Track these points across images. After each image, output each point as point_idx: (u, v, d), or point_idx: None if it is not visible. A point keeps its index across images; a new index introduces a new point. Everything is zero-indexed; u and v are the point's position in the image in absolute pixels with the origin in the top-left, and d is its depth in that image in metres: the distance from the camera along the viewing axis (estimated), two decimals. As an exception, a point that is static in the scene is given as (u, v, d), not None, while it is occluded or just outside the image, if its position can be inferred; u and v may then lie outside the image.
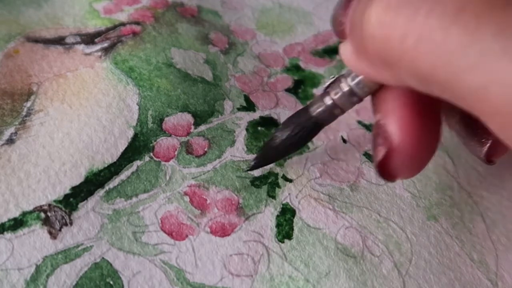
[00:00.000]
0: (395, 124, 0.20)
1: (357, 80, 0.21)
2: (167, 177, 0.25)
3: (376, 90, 0.21)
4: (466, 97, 0.14)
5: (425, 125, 0.20)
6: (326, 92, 0.22)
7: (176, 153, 0.26)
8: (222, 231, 0.24)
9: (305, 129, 0.23)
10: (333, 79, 0.22)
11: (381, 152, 0.20)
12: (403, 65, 0.16)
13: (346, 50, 0.19)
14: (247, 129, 0.28)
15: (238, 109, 0.29)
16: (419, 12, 0.14)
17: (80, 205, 0.24)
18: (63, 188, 0.24)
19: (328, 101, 0.22)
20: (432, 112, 0.20)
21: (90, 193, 0.24)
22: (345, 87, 0.21)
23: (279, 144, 0.24)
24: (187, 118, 0.28)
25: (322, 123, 0.23)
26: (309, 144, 0.28)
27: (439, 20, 0.14)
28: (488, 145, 0.21)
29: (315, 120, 0.23)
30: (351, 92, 0.21)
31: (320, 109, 0.23)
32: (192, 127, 0.28)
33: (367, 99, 0.22)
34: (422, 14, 0.14)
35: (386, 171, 0.21)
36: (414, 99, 0.20)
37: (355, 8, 0.18)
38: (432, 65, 0.14)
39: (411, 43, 0.15)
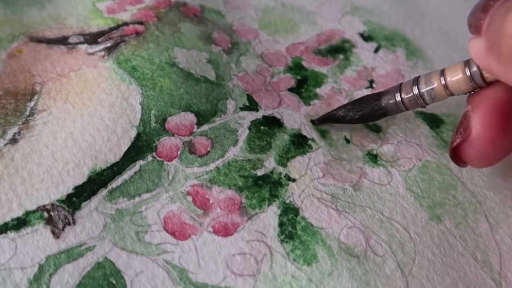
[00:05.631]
0: (479, 119, 0.23)
1: (429, 88, 0.24)
2: (170, 177, 0.25)
3: (468, 102, 0.24)
4: None
5: (505, 130, 0.22)
6: (399, 87, 0.26)
7: (179, 152, 0.26)
8: (224, 230, 0.24)
9: (370, 114, 0.27)
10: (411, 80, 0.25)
11: (457, 139, 0.23)
12: None
13: (477, 45, 0.21)
14: (250, 129, 0.28)
15: (241, 109, 0.29)
16: None
17: (83, 204, 0.24)
18: (66, 188, 0.24)
19: (398, 97, 0.25)
20: None
21: (93, 192, 0.24)
22: (416, 90, 0.25)
23: (343, 117, 0.28)
24: (190, 117, 0.28)
25: (386, 112, 0.27)
26: (312, 144, 0.28)
27: None
28: None
29: (382, 108, 0.26)
30: (420, 96, 0.25)
31: (389, 101, 0.26)
32: (195, 126, 0.28)
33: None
34: None
35: (457, 156, 0.24)
36: (505, 106, 0.22)
37: (499, 6, 0.19)
38: None
39: None
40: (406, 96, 0.25)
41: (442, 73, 0.24)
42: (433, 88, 0.24)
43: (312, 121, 0.29)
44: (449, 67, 0.24)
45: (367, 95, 0.28)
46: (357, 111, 0.27)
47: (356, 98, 0.29)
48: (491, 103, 0.22)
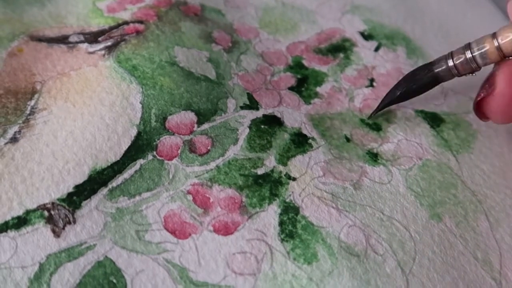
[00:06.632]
0: (503, 77, 0.24)
1: (482, 50, 0.25)
2: (170, 176, 0.25)
3: (496, 63, 0.25)
4: None
5: None
6: (450, 54, 0.27)
7: (179, 151, 0.26)
8: (225, 229, 0.24)
9: (423, 83, 0.28)
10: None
11: (482, 94, 0.25)
12: None
13: None
14: (250, 127, 0.28)
15: (241, 108, 0.29)
16: None
17: (83, 203, 0.24)
18: (66, 187, 0.24)
19: (450, 62, 0.26)
20: None
21: (94, 191, 0.24)
22: (468, 54, 0.26)
23: (399, 94, 0.29)
24: (190, 116, 0.28)
25: (440, 79, 0.28)
26: (313, 142, 0.28)
27: None
28: None
29: (435, 75, 0.27)
30: (473, 60, 0.26)
31: (441, 68, 0.27)
32: (195, 125, 0.28)
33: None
34: None
35: (480, 111, 0.26)
36: None
37: None
38: None
39: None
40: (459, 61, 0.26)
41: (494, 35, 0.25)
42: (485, 51, 0.25)
43: (370, 116, 0.30)
44: (499, 29, 0.25)
45: (418, 67, 0.29)
46: (412, 84, 0.28)
47: (406, 73, 0.30)
48: None
